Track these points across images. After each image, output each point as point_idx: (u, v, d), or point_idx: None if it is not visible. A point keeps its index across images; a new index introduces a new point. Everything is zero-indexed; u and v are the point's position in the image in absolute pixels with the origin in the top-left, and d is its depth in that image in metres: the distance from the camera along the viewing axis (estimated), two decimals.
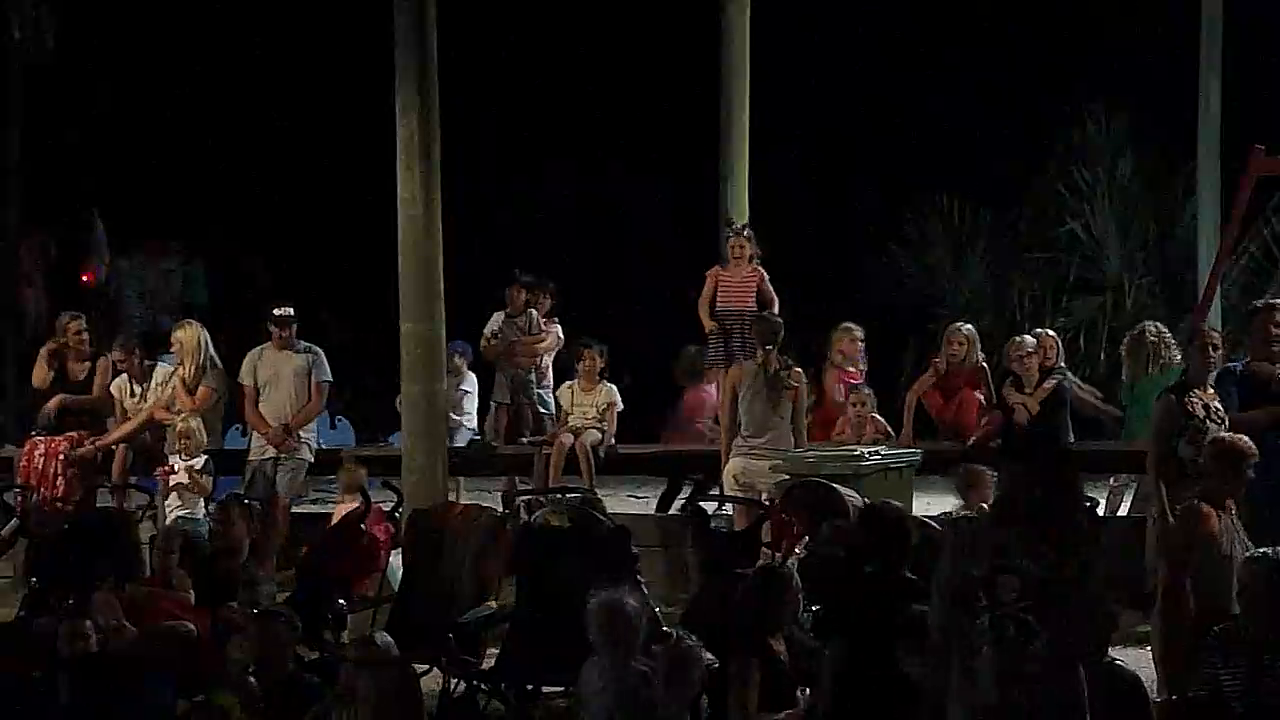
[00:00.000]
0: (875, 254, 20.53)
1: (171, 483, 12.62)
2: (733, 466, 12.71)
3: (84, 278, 21.70)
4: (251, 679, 8.36)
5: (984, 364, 13.63)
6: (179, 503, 12.58)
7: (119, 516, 12.05)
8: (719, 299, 13.59)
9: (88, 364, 13.97)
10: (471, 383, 14.87)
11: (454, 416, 14.32)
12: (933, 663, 6.72)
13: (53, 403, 13.84)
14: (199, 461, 12.69)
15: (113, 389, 13.76)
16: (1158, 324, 13.43)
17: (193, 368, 13.42)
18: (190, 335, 13.52)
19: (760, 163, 16.36)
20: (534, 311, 14.64)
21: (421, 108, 12.01)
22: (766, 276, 13.73)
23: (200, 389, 13.36)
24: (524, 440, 14.26)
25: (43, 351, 14.05)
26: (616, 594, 8.01)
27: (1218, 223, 16.58)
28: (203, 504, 12.58)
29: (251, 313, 14.60)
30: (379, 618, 10.68)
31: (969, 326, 13.78)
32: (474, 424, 14.80)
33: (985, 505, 9.73)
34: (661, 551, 12.77)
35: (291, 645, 8.56)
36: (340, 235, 22.13)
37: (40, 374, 13.99)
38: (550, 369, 14.85)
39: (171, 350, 13.73)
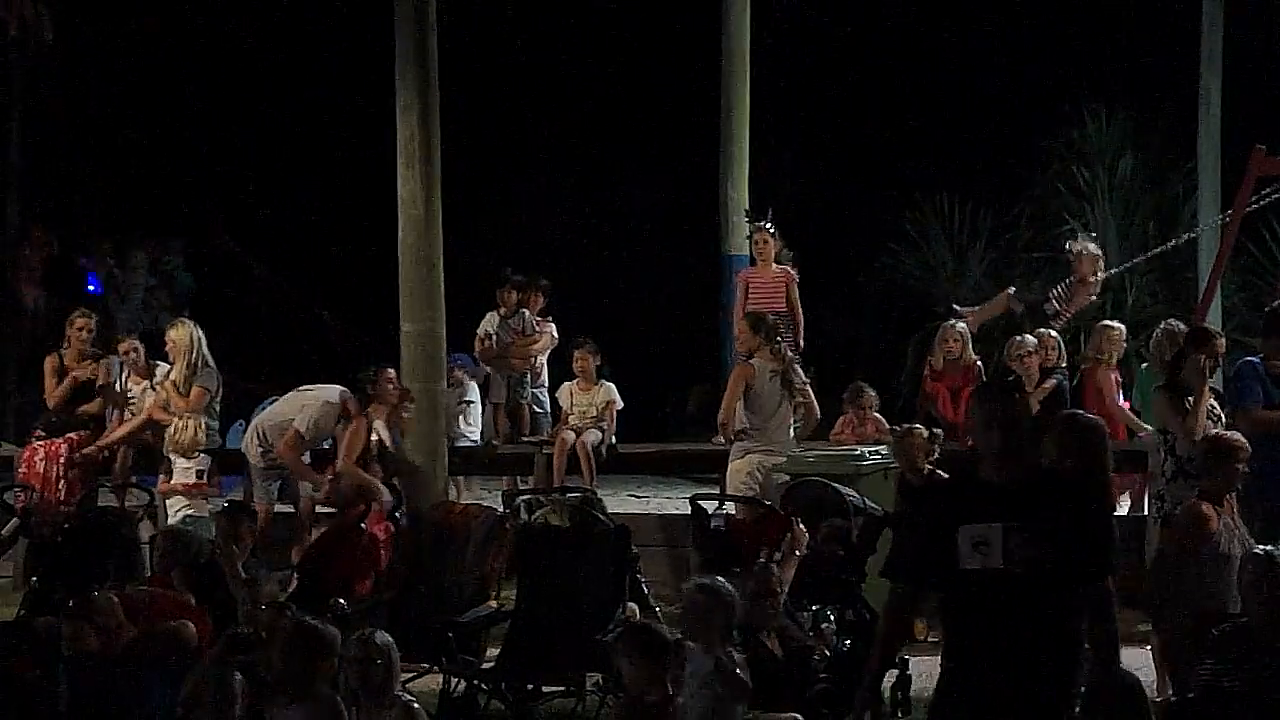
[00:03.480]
0: (875, 254, 20.53)
1: (174, 484, 12.59)
2: (745, 464, 12.14)
3: (95, 287, 21.71)
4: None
5: (978, 362, 13.61)
6: (185, 503, 12.55)
7: (119, 516, 12.02)
8: (750, 300, 13.49)
9: (89, 363, 13.93)
10: (474, 392, 14.78)
11: (458, 428, 14.29)
12: None
13: (56, 396, 13.83)
14: (201, 462, 12.68)
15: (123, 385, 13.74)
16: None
17: (185, 367, 13.36)
18: (183, 334, 13.42)
19: (760, 161, 16.37)
20: (526, 311, 14.60)
21: (421, 108, 12.01)
22: (797, 280, 13.62)
23: (194, 389, 13.30)
24: (524, 439, 14.25)
25: (47, 367, 14.01)
26: (711, 580, 7.99)
27: (1218, 223, 16.58)
28: (208, 503, 12.57)
29: (251, 313, 14.55)
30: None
31: (962, 324, 13.75)
32: (477, 435, 14.73)
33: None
34: (661, 551, 12.75)
35: None
36: (340, 235, 22.11)
37: (51, 387, 13.95)
38: (545, 368, 14.83)
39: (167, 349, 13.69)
